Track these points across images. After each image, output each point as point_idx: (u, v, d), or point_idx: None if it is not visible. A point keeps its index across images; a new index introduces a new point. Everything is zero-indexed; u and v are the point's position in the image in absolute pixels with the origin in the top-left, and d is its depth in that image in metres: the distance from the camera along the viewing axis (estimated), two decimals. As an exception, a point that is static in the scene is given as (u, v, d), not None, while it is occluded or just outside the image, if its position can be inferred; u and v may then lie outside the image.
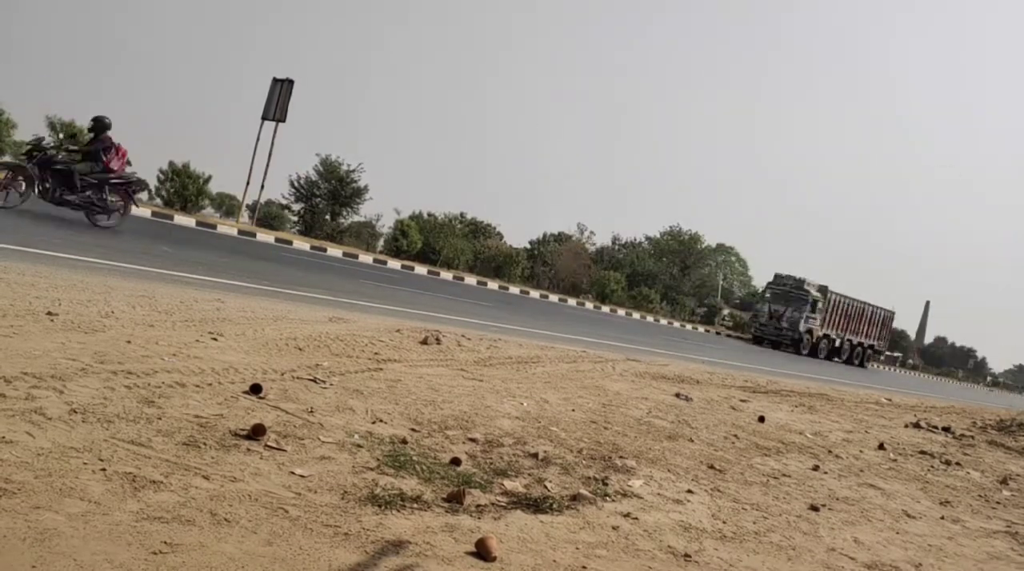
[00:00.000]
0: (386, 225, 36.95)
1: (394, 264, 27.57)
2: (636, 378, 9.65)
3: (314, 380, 5.71)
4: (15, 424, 3.27)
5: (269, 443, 3.88)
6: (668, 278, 52.13)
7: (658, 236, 59.47)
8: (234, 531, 2.69)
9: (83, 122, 25.49)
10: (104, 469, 3.01)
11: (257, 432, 3.98)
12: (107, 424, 3.56)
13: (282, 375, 5.69)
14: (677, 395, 8.60)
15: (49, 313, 5.66)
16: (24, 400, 3.60)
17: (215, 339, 6.51)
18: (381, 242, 36.80)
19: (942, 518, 5.04)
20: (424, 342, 8.91)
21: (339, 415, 4.82)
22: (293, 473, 3.48)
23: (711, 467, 5.27)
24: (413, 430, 4.84)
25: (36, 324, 5.28)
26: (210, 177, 26.99)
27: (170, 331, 6.43)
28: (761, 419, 7.93)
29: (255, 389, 4.98)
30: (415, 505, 3.38)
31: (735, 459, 5.79)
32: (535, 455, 4.64)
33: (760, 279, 79.13)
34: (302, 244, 25.34)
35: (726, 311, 57.37)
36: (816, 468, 5.94)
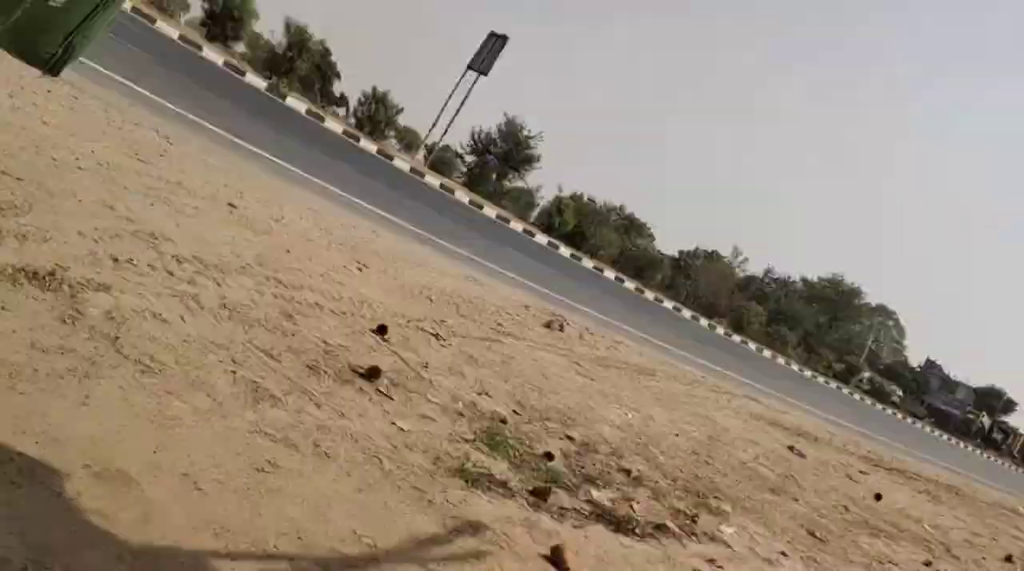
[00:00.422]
0: (544, 197, 37.24)
1: (540, 239, 27.78)
2: (750, 418, 9.30)
3: (436, 336, 5.87)
4: (173, 305, 3.55)
5: (380, 388, 4.02)
6: (812, 325, 49.68)
7: (816, 280, 56.69)
8: (331, 468, 2.81)
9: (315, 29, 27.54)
10: (234, 372, 3.21)
11: (372, 374, 4.14)
12: (248, 327, 3.80)
13: (408, 322, 5.88)
14: (791, 448, 8.22)
15: (230, 205, 6.06)
16: (187, 284, 3.89)
17: (360, 269, 6.81)
18: (535, 213, 37.11)
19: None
20: (547, 325, 8.94)
21: (450, 377, 4.93)
22: (394, 424, 3.59)
23: (811, 534, 5.01)
24: (515, 412, 4.87)
25: (217, 211, 5.68)
26: (402, 109, 28.34)
27: (324, 250, 6.78)
28: (878, 497, 7.45)
29: (381, 330, 5.17)
30: (501, 490, 3.41)
31: (840, 532, 5.48)
32: (628, 471, 4.58)
33: (917, 352, 73.97)
34: (462, 196, 25.96)
35: (866, 374, 54.12)
36: (928, 564, 5.52)
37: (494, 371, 5.68)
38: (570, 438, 4.86)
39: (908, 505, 7.83)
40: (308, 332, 4.32)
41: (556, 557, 2.91)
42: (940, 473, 13.74)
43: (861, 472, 8.76)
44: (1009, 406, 67.35)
